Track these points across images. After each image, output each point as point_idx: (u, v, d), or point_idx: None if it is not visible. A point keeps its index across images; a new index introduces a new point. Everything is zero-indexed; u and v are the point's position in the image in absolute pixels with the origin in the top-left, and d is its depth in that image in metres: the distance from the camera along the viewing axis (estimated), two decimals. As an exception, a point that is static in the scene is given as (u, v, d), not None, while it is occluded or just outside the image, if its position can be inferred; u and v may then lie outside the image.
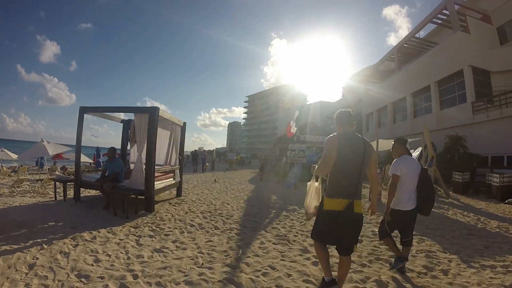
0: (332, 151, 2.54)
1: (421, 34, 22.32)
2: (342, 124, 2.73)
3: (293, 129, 14.49)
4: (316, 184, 3.03)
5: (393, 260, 3.57)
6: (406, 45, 22.75)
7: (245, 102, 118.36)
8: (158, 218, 5.97)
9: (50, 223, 5.20)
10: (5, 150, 17.30)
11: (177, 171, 8.52)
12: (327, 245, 2.79)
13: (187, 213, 6.62)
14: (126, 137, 9.72)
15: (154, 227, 5.28)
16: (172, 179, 8.22)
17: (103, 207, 6.48)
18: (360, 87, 31.83)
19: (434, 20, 19.52)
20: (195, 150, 30.69)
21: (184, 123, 8.91)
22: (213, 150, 28.40)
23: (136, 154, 9.95)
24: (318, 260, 3.24)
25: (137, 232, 4.90)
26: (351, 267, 3.07)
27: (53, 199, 7.66)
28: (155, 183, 7.01)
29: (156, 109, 6.53)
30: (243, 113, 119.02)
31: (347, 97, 38.22)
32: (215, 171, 23.48)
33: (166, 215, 6.27)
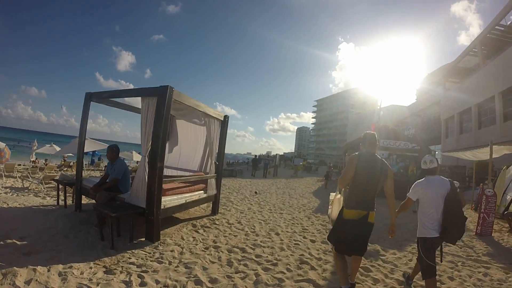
0: (351, 168, 2.92)
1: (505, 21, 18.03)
2: (365, 145, 3.08)
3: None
4: (339, 195, 3.46)
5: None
6: (490, 35, 18.73)
7: (313, 106, 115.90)
8: (158, 255, 3.81)
9: (10, 241, 3.75)
10: (54, 145, 17.42)
11: (211, 181, 6.26)
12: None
13: (208, 248, 4.25)
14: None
15: (139, 272, 3.21)
16: (202, 191, 5.98)
17: (95, 224, 4.62)
18: (437, 88, 27.81)
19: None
20: (256, 156, 29.25)
21: (226, 117, 6.64)
22: (276, 155, 25.92)
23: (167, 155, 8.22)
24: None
25: (105, 279, 2.96)
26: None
27: (57, 203, 6.25)
28: (169, 198, 4.85)
29: (166, 89, 4.32)
30: (312, 117, 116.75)
31: (421, 100, 33.11)
32: (277, 178, 21.04)
33: (173, 250, 4.04)
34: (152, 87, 4.58)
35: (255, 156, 29.17)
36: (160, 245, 4.19)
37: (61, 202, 6.16)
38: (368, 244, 4.84)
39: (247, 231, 5.33)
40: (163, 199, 4.59)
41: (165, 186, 4.83)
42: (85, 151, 12.56)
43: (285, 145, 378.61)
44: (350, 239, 2.93)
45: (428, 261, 2.93)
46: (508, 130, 16.08)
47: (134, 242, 4.20)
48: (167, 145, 8.08)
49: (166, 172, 7.74)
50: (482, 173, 15.19)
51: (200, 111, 5.60)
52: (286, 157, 63.84)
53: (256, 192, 11.09)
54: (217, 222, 5.81)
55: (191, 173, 6.62)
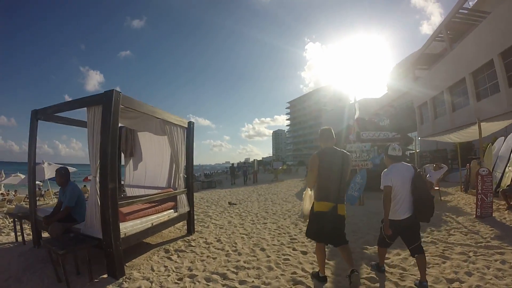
0: (314, 167, 3.16)
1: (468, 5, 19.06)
2: (324, 140, 3.28)
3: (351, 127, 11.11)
4: (310, 192, 3.38)
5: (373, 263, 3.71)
6: (455, 19, 19.20)
7: (286, 108, 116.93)
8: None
9: None
10: (20, 174, 16.08)
11: (182, 198, 5.53)
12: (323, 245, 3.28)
13: (182, 279, 3.54)
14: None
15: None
16: (171, 210, 5.24)
17: (53, 261, 3.75)
18: (406, 77, 28.67)
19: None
20: (233, 164, 28.66)
21: (190, 123, 5.95)
22: (254, 160, 25.28)
23: (129, 174, 7.40)
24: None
25: None
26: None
27: (15, 240, 5.52)
28: (130, 223, 4.10)
29: (111, 94, 3.60)
30: (286, 119, 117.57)
31: (392, 91, 33.97)
32: (258, 184, 20.40)
33: (140, 286, 3.30)
34: (96, 94, 3.86)
35: (232, 164, 28.45)
36: (125, 281, 3.46)
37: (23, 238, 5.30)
38: (367, 247, 4.34)
39: (227, 251, 4.64)
40: (123, 225, 3.85)
41: (124, 209, 4.09)
42: (48, 177, 11.53)
43: (262, 150, 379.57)
44: (325, 230, 3.11)
45: (387, 239, 3.31)
46: (482, 109, 16.12)
47: (95, 280, 3.49)
48: (131, 162, 7.30)
49: (133, 192, 6.94)
50: (465, 154, 15.29)
51: (158, 118, 4.89)
52: (265, 162, 63.33)
53: (230, 203, 10.24)
54: (193, 244, 5.07)
55: (158, 191, 5.86)
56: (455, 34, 20.28)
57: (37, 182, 16.24)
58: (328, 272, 3.54)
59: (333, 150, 3.22)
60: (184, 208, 5.54)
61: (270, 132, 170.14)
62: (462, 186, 10.64)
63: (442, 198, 8.92)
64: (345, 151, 3.24)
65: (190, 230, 5.82)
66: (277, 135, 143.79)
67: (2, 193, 15.87)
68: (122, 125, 6.39)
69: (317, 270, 3.41)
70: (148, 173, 6.95)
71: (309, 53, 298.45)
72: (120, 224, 3.73)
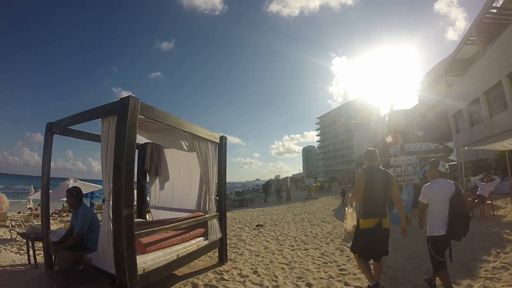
0: (361, 182, 3.26)
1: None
2: (369, 160, 3.45)
3: (389, 138, 10.09)
4: (351, 209, 4.02)
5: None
6: (485, 20, 17.91)
7: (316, 124, 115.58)
8: None
9: None
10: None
11: (213, 223, 4.85)
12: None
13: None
14: (142, 170, 6.62)
15: None
16: (201, 238, 4.56)
17: None
18: (438, 85, 27.26)
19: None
20: (266, 181, 27.97)
21: (223, 138, 5.34)
22: (287, 178, 24.35)
23: (155, 195, 6.86)
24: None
25: None
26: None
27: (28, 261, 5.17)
28: (152, 255, 3.43)
29: (128, 102, 3.05)
30: (316, 135, 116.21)
31: (424, 100, 32.05)
32: (291, 202, 19.37)
33: None
34: (112, 102, 3.32)
35: (266, 181, 27.79)
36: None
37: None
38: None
39: (267, 287, 3.84)
40: (142, 259, 3.19)
41: (144, 240, 3.44)
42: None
43: (292, 167, 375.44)
44: (371, 246, 3.21)
45: (438, 257, 3.17)
46: None
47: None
48: (157, 181, 6.79)
49: (159, 215, 6.39)
50: (505, 164, 13.83)
51: (185, 131, 4.30)
52: (296, 178, 61.99)
53: (258, 226, 9.29)
54: (226, 277, 4.30)
55: (187, 214, 5.23)
56: (487, 36, 18.92)
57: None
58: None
59: (377, 169, 3.41)
60: (216, 235, 4.85)
61: (299, 148, 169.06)
62: (512, 199, 9.46)
63: (495, 212, 7.86)
64: (388, 171, 3.43)
65: (222, 259, 5.09)
66: (307, 151, 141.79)
67: (30, 208, 15.96)
68: (147, 141, 5.94)
69: (368, 284, 3.35)
70: (175, 194, 6.37)
71: (335, 68, 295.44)
72: (139, 257, 3.09)
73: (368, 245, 3.23)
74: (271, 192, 25.91)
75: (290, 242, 6.52)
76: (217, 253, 5.19)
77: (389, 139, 10.72)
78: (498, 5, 17.73)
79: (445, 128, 24.89)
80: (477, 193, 8.20)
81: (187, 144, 4.56)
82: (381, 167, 3.48)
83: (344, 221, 3.92)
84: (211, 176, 4.85)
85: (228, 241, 6.40)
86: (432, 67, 33.06)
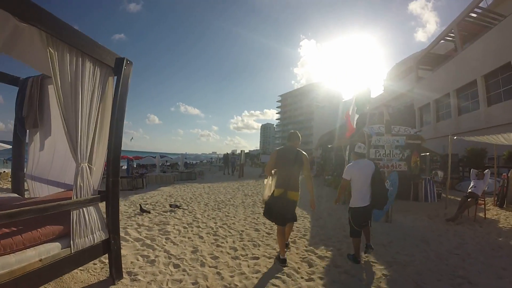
0: (272, 160, 3.84)
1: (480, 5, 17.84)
2: (288, 140, 3.96)
3: (354, 123, 8.46)
4: (270, 181, 4.00)
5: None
6: (468, 19, 18.16)
7: (277, 102, 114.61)
8: None
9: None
10: None
11: (85, 215, 2.62)
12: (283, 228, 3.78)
13: None
14: (20, 119, 4.15)
15: None
16: (53, 245, 2.32)
17: None
18: (407, 77, 27.57)
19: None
20: (227, 153, 26.10)
21: (124, 62, 2.97)
22: (241, 151, 22.35)
23: (33, 157, 4.40)
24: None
25: None
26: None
27: None
28: None
29: None
30: (276, 113, 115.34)
31: (390, 90, 32.05)
32: (244, 179, 17.50)
33: None
34: None
35: (227, 153, 26.00)
36: None
37: None
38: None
39: None
40: None
41: None
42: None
43: (250, 143, 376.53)
44: (276, 211, 3.73)
45: (355, 226, 3.83)
46: (491, 116, 15.19)
47: None
48: (37, 136, 4.33)
49: (36, 190, 4.04)
50: (476, 161, 13.45)
51: (41, 29, 1.98)
52: (252, 155, 60.69)
53: (174, 206, 6.98)
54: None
55: (65, 193, 2.95)
56: (467, 35, 19.15)
57: None
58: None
59: (292, 148, 3.83)
60: (91, 236, 2.64)
61: (258, 125, 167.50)
62: (496, 199, 8.53)
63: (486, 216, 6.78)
64: (302, 151, 3.82)
65: (113, 274, 2.93)
66: (265, 129, 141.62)
67: None
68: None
69: (279, 255, 3.76)
70: (56, 159, 3.99)
71: (303, 50, 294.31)
72: None
73: (274, 210, 3.74)
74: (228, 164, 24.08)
75: (234, 241, 4.49)
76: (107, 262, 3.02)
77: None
78: (484, 7, 17.81)
79: (409, 119, 24.88)
80: (469, 190, 6.81)
81: (43, 58, 2.19)
82: (296, 148, 3.84)
83: (264, 191, 4.05)
84: (84, 126, 2.58)
85: (140, 236, 4.24)
86: (403, 58, 33.05)
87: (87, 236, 2.63)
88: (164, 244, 4.24)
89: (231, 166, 23.12)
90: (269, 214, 3.86)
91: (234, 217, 6.31)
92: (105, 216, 2.88)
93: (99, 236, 2.75)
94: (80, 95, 2.53)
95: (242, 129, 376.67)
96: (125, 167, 20.06)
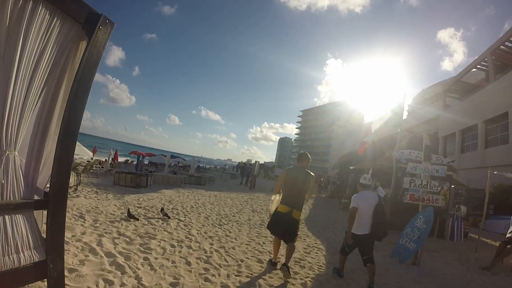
0: (280, 180, 4.06)
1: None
2: (297, 160, 4.20)
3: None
4: (277, 198, 4.14)
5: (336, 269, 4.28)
6: (503, 48, 17.07)
7: (298, 116, 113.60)
8: None
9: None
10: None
11: (9, 224, 1.76)
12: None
13: None
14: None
15: None
16: None
17: None
18: (434, 104, 26.50)
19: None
20: (244, 162, 25.59)
21: (98, 18, 2.10)
22: (256, 162, 21.37)
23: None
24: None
25: None
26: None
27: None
28: None
29: None
30: (296, 128, 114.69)
31: (415, 116, 30.78)
32: (255, 192, 16.52)
33: None
34: None
35: (243, 162, 25.48)
36: None
37: None
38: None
39: None
40: None
41: None
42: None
43: (266, 155, 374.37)
44: (280, 227, 3.94)
45: (347, 248, 4.10)
46: None
47: None
48: None
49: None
50: (502, 198, 12.69)
51: None
52: (267, 166, 59.64)
53: (162, 211, 6.09)
54: None
55: None
56: (500, 65, 18.09)
57: None
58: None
59: (301, 169, 4.05)
60: (15, 256, 1.78)
61: (277, 138, 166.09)
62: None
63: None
64: (310, 173, 4.05)
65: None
66: (283, 142, 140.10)
67: None
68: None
69: (273, 260, 4.19)
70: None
71: (329, 68, 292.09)
72: None
73: (277, 226, 3.96)
74: (237, 174, 23.15)
75: (228, 276, 3.51)
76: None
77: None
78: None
79: (432, 148, 23.13)
80: (509, 235, 5.65)
81: None
82: (305, 170, 4.05)
83: (270, 206, 4.27)
84: (17, 96, 1.74)
85: (114, 250, 3.39)
86: (428, 86, 31.86)
87: (8, 256, 1.78)
88: (139, 267, 3.32)
89: (246, 176, 21.87)
90: (273, 228, 4.09)
91: (235, 238, 5.34)
92: (44, 229, 2.02)
93: (29, 256, 1.89)
94: (19, 50, 1.71)
95: (260, 140, 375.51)
96: (135, 162, 19.54)
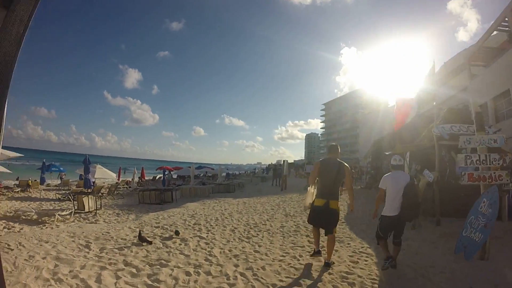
0: (314, 171, 4.18)
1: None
2: (328, 152, 4.37)
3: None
4: (312, 190, 4.18)
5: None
6: None
7: (321, 110, 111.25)
8: None
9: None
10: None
11: None
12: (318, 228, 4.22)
13: None
14: None
15: None
16: None
17: None
18: (459, 75, 23.71)
19: None
20: (275, 164, 25.01)
21: None
22: (284, 161, 20.34)
23: None
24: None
25: None
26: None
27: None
28: None
29: None
30: (320, 122, 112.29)
31: (440, 92, 28.64)
32: (287, 192, 15.56)
33: None
34: None
35: (272, 164, 24.87)
36: None
37: None
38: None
39: None
40: None
41: None
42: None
43: (294, 153, 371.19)
44: (322, 219, 4.04)
45: (380, 232, 4.05)
46: None
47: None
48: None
49: None
50: None
51: None
52: (296, 165, 58.27)
53: (177, 232, 5.39)
54: None
55: None
56: None
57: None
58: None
59: (333, 160, 4.11)
60: None
61: (303, 135, 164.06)
62: None
63: None
64: (344, 163, 4.09)
65: None
66: (310, 138, 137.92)
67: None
68: None
69: (316, 249, 4.28)
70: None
71: (344, 58, 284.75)
72: None
73: (317, 218, 4.08)
74: (268, 177, 22.32)
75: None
76: None
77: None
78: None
79: (465, 122, 21.37)
80: None
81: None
82: (337, 160, 4.11)
83: (305, 198, 4.28)
84: None
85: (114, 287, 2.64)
86: (450, 58, 29.62)
87: None
88: None
89: (278, 177, 20.85)
90: (314, 222, 4.18)
91: (266, 254, 4.47)
92: None
93: None
94: None
95: (287, 139, 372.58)
96: (163, 178, 19.26)
